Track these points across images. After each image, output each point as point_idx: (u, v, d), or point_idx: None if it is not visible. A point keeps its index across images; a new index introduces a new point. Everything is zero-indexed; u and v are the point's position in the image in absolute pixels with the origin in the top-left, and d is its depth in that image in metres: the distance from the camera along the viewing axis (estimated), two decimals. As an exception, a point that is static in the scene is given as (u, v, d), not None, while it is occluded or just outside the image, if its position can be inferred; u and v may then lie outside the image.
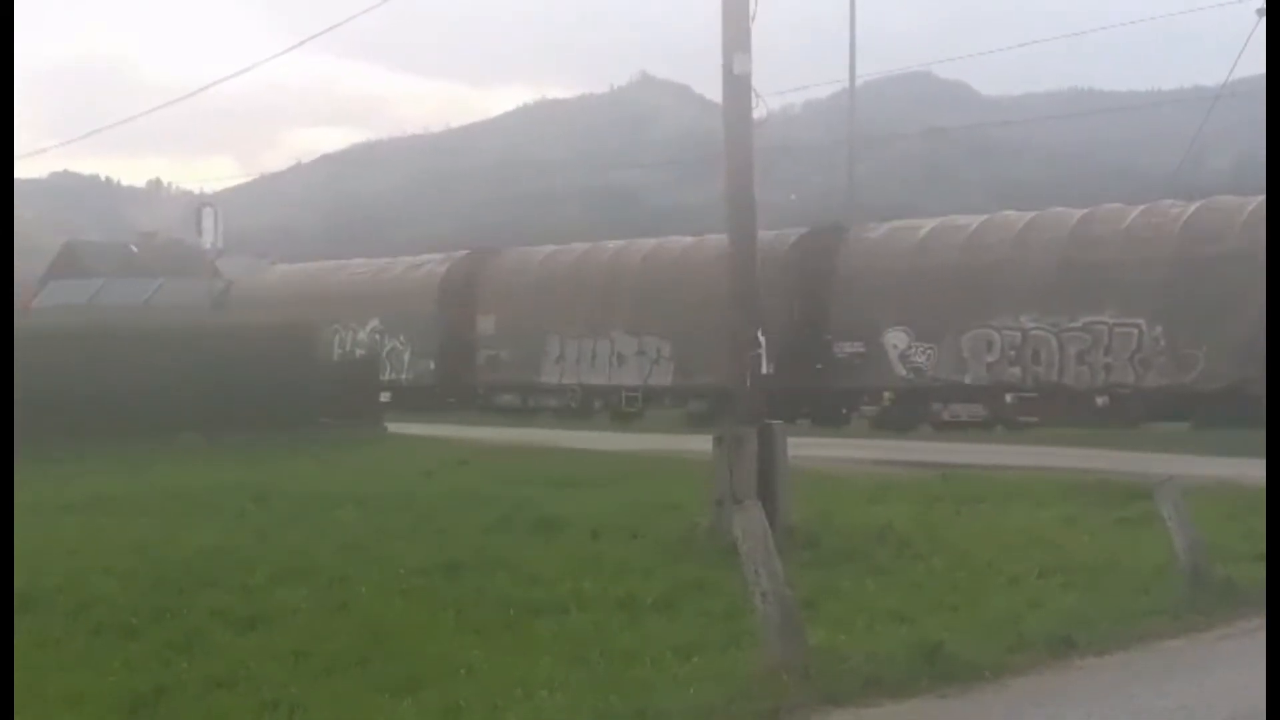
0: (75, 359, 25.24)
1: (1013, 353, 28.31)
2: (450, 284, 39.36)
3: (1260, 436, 17.38)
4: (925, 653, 8.76)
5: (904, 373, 29.87)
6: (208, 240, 37.76)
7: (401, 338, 40.07)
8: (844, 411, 31.38)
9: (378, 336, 40.49)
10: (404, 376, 39.45)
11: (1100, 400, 27.23)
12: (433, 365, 39.05)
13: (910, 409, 29.76)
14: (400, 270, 42.07)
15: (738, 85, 13.90)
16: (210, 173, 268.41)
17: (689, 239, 35.79)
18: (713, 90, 14.97)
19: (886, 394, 30.21)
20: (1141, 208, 28.50)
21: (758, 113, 14.08)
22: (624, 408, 34.65)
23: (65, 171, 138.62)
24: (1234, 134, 56.39)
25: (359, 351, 39.59)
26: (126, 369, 25.49)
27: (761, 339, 14.03)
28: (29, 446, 15.92)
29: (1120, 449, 23.04)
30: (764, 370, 14.03)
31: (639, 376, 34.39)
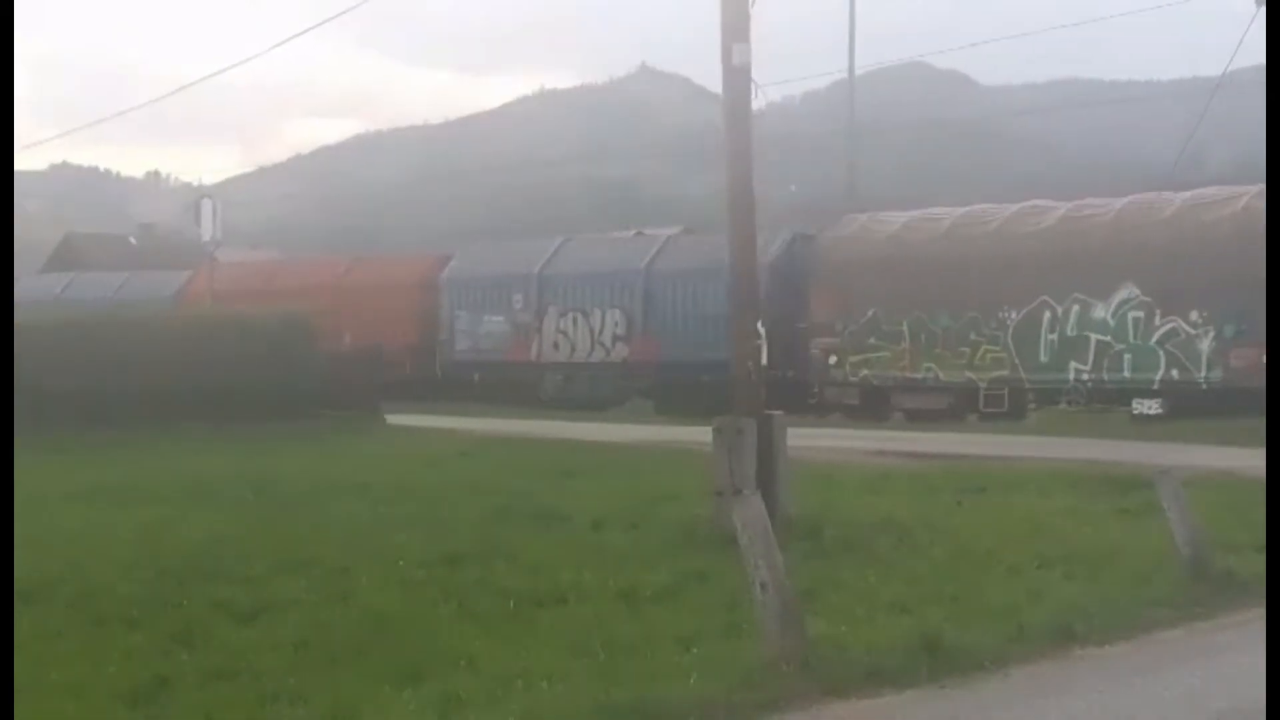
0: (77, 350, 25.28)
1: None
2: None
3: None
4: (925, 643, 8.76)
5: None
6: (207, 232, 37.62)
7: (1196, 315, 26.17)
8: None
9: (1138, 315, 27.02)
10: (1203, 376, 26.07)
11: None
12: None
13: None
14: (1171, 212, 27.63)
15: (737, 76, 13.89)
16: (209, 164, 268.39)
17: None
18: (712, 81, 14.98)
19: None
20: None
21: (757, 104, 14.11)
22: None
23: (64, 163, 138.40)
24: (1234, 124, 56.30)
25: (1120, 345, 26.94)
26: (127, 359, 25.52)
27: (761, 330, 14.05)
28: (30, 436, 15.92)
29: (1121, 439, 23.06)
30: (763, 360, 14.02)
31: None
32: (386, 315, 38.54)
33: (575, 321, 36.41)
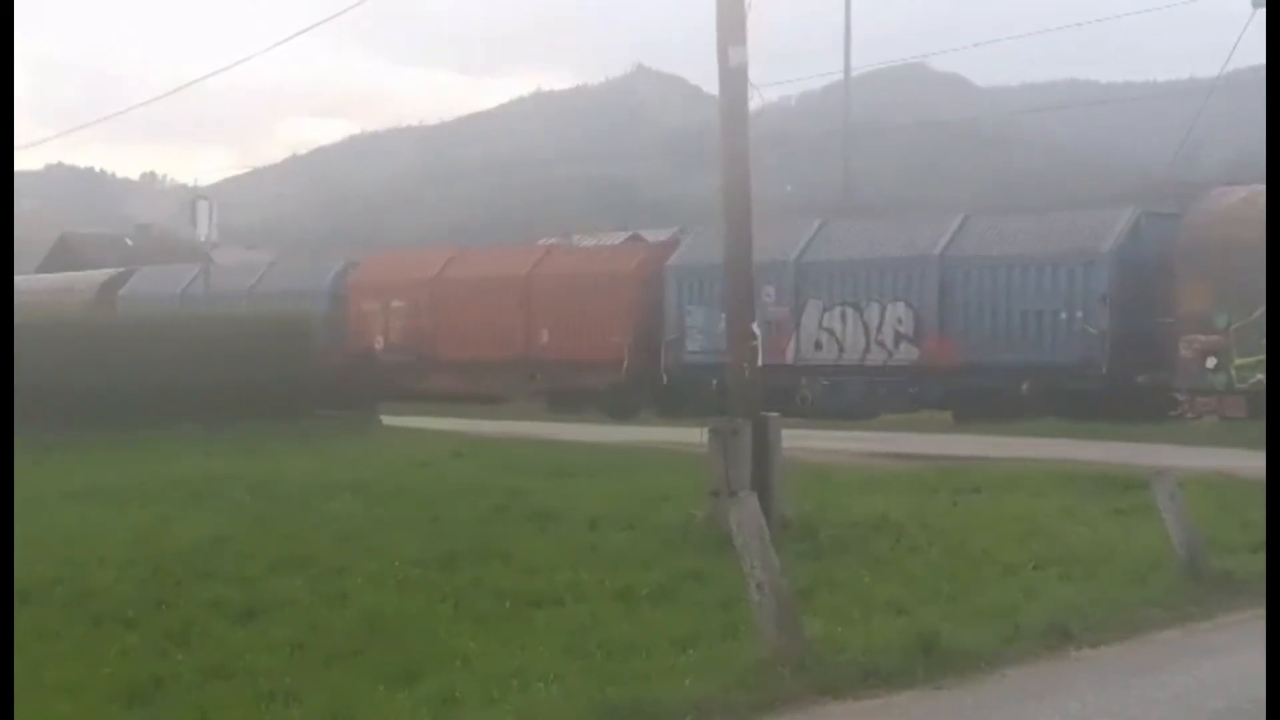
0: (72, 350, 25.28)
1: None
2: None
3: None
4: (921, 643, 8.78)
5: None
6: (202, 233, 37.64)
7: None
8: None
9: None
10: None
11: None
12: None
13: None
14: None
15: (733, 77, 13.90)
16: (205, 165, 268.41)
17: None
18: (708, 82, 15.00)
19: None
20: None
21: (753, 104, 14.14)
22: None
23: (59, 164, 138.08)
24: (1231, 125, 56.32)
25: None
26: (124, 359, 25.52)
27: (757, 330, 14.06)
28: (27, 435, 15.91)
29: (1117, 440, 23.05)
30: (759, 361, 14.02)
31: None
32: (594, 310, 33.49)
33: (845, 317, 30.85)
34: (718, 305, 29.80)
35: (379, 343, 37.57)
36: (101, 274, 48.19)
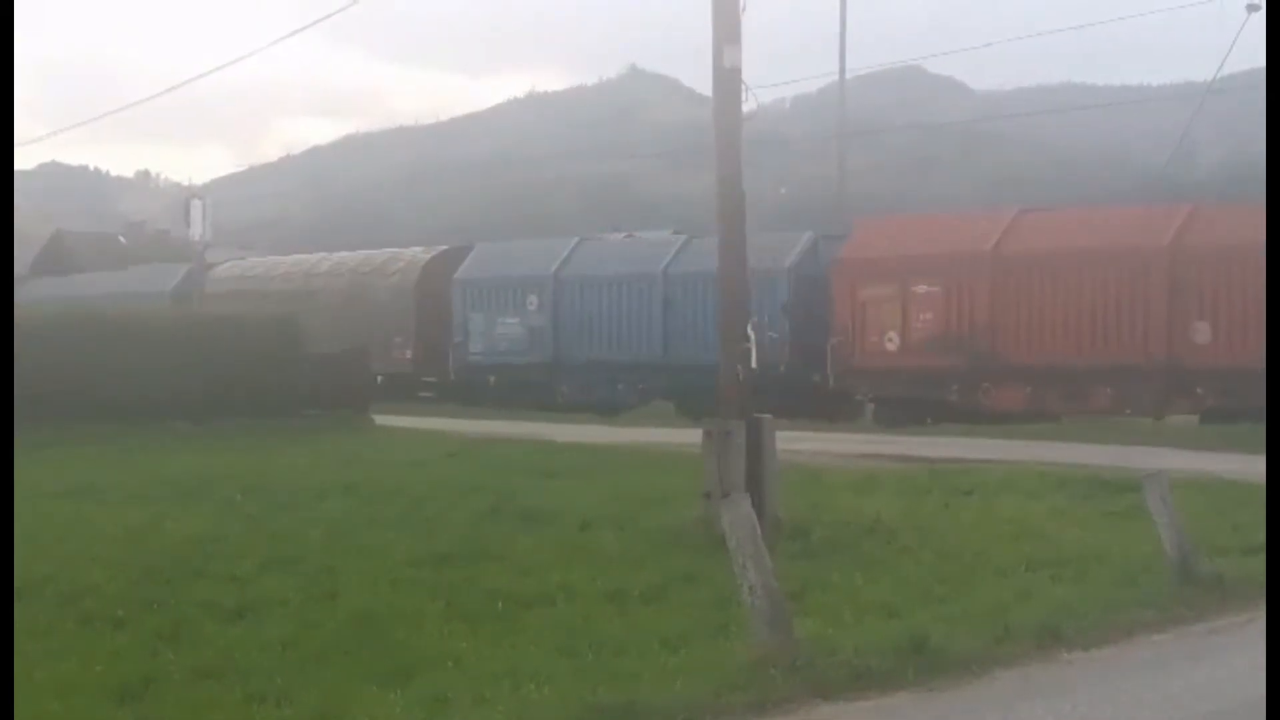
0: (65, 347, 25.24)
1: None
2: None
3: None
4: (913, 645, 8.78)
5: None
6: (196, 232, 37.59)
7: None
8: None
9: None
10: None
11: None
12: None
13: None
14: None
15: (727, 78, 13.92)
16: (199, 163, 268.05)
17: None
18: (702, 84, 15.06)
19: None
20: None
21: (747, 106, 14.17)
22: None
23: (53, 162, 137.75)
24: (1224, 129, 56.38)
25: None
26: (116, 357, 25.49)
27: (751, 333, 14.05)
28: (20, 433, 15.88)
29: (1108, 443, 23.06)
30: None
31: None
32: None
33: None
34: None
35: (891, 342, 28.76)
36: (425, 251, 38.73)
